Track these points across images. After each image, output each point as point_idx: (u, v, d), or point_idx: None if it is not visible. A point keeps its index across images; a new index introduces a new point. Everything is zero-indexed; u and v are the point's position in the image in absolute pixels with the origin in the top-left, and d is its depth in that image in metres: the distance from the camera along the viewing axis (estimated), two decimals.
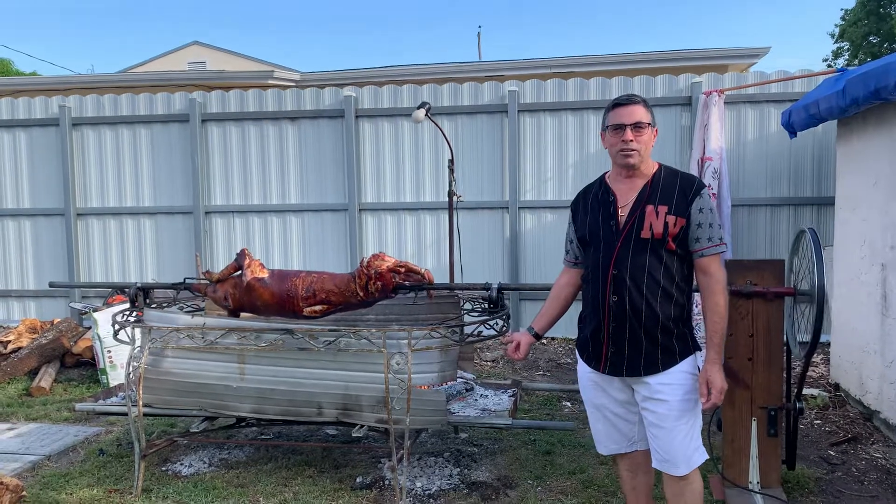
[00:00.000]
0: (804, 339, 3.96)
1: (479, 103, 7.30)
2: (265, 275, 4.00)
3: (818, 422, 5.13)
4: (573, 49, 79.20)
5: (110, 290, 7.30)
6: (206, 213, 7.86)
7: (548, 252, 7.30)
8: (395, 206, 7.55)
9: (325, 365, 3.68)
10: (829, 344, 5.93)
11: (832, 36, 26.21)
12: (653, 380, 2.70)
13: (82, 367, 6.78)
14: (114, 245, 8.08)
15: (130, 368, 3.76)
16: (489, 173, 7.28)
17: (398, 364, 3.47)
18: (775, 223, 6.94)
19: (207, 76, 12.72)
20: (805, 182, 6.88)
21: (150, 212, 7.96)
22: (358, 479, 4.07)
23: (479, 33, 26.88)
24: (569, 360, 6.73)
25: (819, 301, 3.39)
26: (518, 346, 3.00)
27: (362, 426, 3.74)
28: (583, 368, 2.92)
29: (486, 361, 6.78)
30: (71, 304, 7.80)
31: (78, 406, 4.25)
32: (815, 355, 6.12)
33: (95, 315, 6.23)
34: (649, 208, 2.69)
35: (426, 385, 3.69)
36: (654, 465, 2.80)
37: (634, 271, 2.67)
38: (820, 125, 5.83)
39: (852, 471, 4.24)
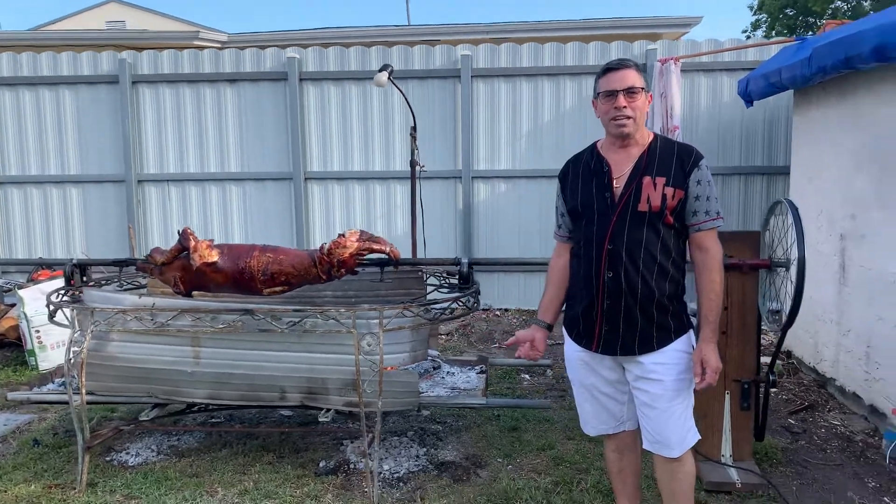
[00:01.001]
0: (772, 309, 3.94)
1: (431, 67, 7.03)
2: (215, 257, 3.68)
3: (774, 390, 5.18)
4: (500, 15, 78.73)
5: (35, 265, 6.81)
6: (139, 181, 7.38)
7: (501, 223, 7.16)
8: (344, 175, 7.25)
9: (289, 347, 3.44)
10: (778, 312, 6.00)
11: (751, 8, 26.93)
12: (647, 359, 2.59)
13: (6, 348, 6.32)
14: (37, 216, 7.52)
15: (71, 354, 3.42)
16: (441, 141, 7.04)
17: (369, 345, 3.25)
18: (727, 192, 6.97)
19: (129, 36, 12.01)
20: (756, 152, 6.92)
21: (77, 180, 7.43)
22: (321, 464, 3.86)
23: None
24: None
25: (800, 273, 3.34)
26: (534, 343, 2.81)
27: (329, 410, 3.52)
28: (571, 347, 2.77)
29: (440, 335, 6.63)
30: None
31: (10, 395, 3.88)
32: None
33: (21, 293, 5.77)
34: (646, 180, 2.55)
35: (396, 366, 3.49)
36: (646, 446, 2.70)
37: (631, 246, 2.53)
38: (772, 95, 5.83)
39: (814, 439, 4.29)
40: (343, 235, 3.66)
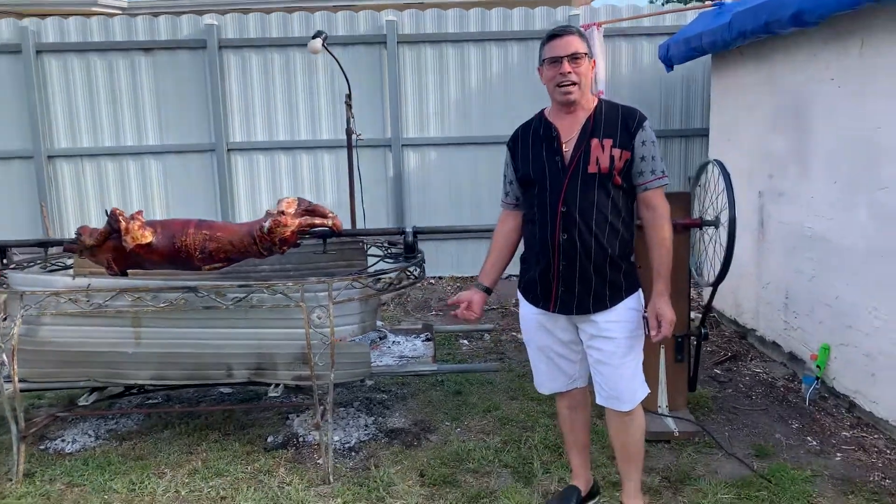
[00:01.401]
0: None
1: (356, 33, 6.90)
2: (150, 238, 3.53)
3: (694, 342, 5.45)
4: None
5: None
6: (50, 157, 6.99)
7: (433, 191, 7.16)
8: (268, 146, 7.07)
9: (235, 323, 3.37)
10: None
11: None
12: (600, 317, 2.68)
13: None
14: None
15: (0, 340, 3.25)
16: (369, 109, 6.94)
17: (319, 318, 3.23)
18: None
19: (21, 1, 11.18)
20: (675, 115, 7.15)
21: None
22: (269, 439, 3.84)
23: None
24: None
25: (731, 232, 3.51)
26: (470, 304, 2.85)
27: (278, 385, 3.49)
28: (527, 309, 2.84)
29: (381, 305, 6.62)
30: None
31: None
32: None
33: None
34: (594, 142, 2.61)
35: (346, 337, 3.48)
36: (599, 401, 2.81)
37: (583, 208, 2.60)
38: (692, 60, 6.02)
39: (740, 387, 4.55)
40: (282, 212, 3.55)
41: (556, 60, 2.61)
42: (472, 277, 7.20)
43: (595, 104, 2.70)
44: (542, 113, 2.80)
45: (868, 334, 3.83)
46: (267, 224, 3.50)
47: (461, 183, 7.13)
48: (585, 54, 2.63)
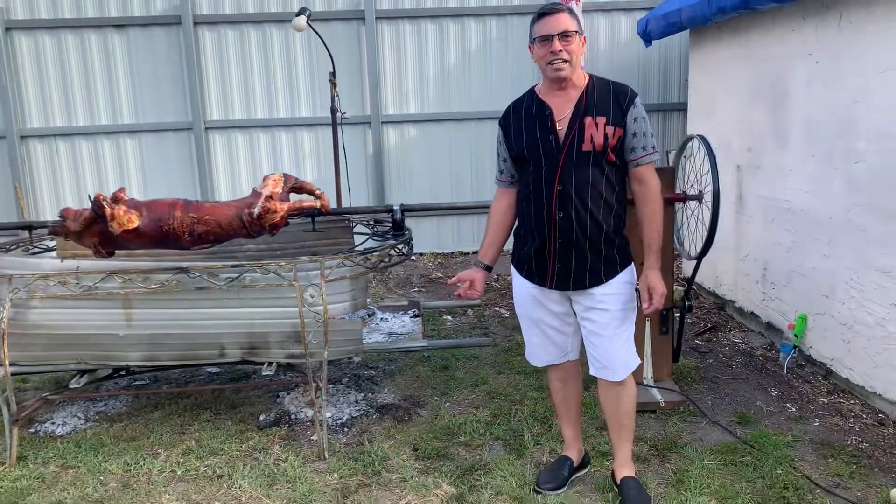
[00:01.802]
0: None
1: (334, 9, 6.83)
2: (136, 222, 3.48)
3: (679, 315, 5.56)
4: None
5: None
6: (22, 137, 6.84)
7: (413, 168, 7.16)
8: (247, 124, 7.00)
9: (227, 303, 3.38)
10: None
11: None
12: (597, 290, 2.73)
13: None
14: None
15: None
16: (348, 86, 6.88)
17: (312, 297, 3.25)
18: None
19: None
20: (652, 89, 7.20)
21: None
22: (262, 417, 3.87)
23: None
24: (440, 275, 6.76)
25: (715, 206, 3.58)
26: (473, 283, 2.89)
27: (271, 364, 3.51)
28: (521, 283, 2.89)
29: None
30: None
31: None
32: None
33: None
34: (588, 120, 2.65)
35: (338, 315, 3.51)
36: (592, 372, 2.88)
37: (579, 185, 2.64)
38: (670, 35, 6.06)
39: (720, 357, 4.67)
40: (270, 197, 3.53)
41: (547, 38, 2.63)
42: (452, 254, 7.27)
43: (587, 81, 2.73)
44: (532, 90, 2.82)
45: (844, 303, 3.95)
46: (256, 210, 3.48)
47: (441, 159, 7.13)
48: (576, 32, 2.65)
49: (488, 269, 2.94)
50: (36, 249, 4.12)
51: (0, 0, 6.63)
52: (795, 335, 4.33)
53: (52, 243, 4.17)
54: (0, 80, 6.65)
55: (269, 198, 3.50)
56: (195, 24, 6.75)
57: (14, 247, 4.02)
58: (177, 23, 6.74)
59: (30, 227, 3.85)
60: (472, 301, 4.86)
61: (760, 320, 4.95)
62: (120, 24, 6.75)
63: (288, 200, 3.67)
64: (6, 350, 3.26)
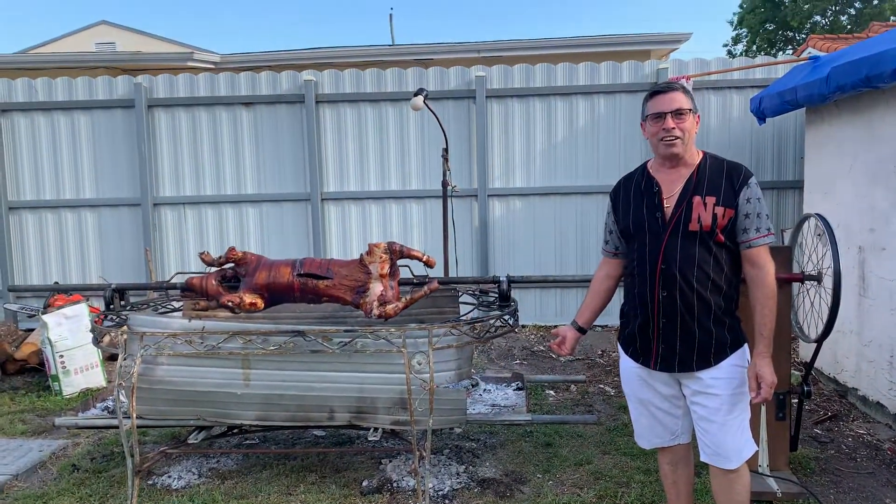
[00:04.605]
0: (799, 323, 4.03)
1: (446, 88, 7.13)
2: (261, 307, 3.82)
3: (795, 401, 5.27)
4: (471, 34, 78.35)
5: (50, 291, 6.83)
6: (155, 204, 7.42)
7: (517, 240, 7.25)
8: (360, 195, 7.33)
9: (338, 367, 3.49)
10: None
11: (731, 23, 27.60)
12: (704, 374, 2.66)
13: (26, 373, 6.32)
14: (52, 241, 7.55)
15: (121, 378, 3.46)
16: (457, 160, 7.11)
17: (419, 364, 3.32)
18: None
19: (121, 58, 11.97)
20: (766, 167, 7.05)
21: (92, 204, 7.46)
22: (364, 483, 3.91)
23: (391, 16, 26.17)
24: (541, 348, 6.71)
25: (836, 286, 3.44)
26: (563, 340, 2.92)
27: (377, 430, 3.57)
28: (627, 363, 2.85)
29: None
30: (6, 306, 7.24)
31: (59, 421, 3.90)
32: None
33: (45, 318, 5.78)
34: (696, 199, 2.63)
35: (443, 384, 3.55)
36: (704, 458, 2.77)
37: (684, 265, 2.61)
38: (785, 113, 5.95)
39: (842, 448, 4.37)
40: (376, 270, 3.68)
41: (660, 116, 2.66)
42: (554, 326, 7.20)
43: (700, 159, 2.72)
44: (644, 166, 2.84)
45: None
46: (375, 312, 3.64)
47: (545, 232, 7.19)
48: (690, 110, 2.66)
49: (582, 330, 2.97)
50: (164, 309, 4.42)
51: (144, 80, 7.31)
52: None
53: (178, 304, 4.46)
54: (140, 152, 7.27)
55: (384, 300, 3.65)
56: (317, 102, 7.20)
57: (144, 306, 4.33)
58: (300, 101, 7.21)
59: (164, 287, 4.13)
60: (577, 377, 4.79)
61: (888, 411, 4.61)
62: (248, 102, 7.29)
63: (396, 270, 3.81)
64: (134, 403, 3.47)
